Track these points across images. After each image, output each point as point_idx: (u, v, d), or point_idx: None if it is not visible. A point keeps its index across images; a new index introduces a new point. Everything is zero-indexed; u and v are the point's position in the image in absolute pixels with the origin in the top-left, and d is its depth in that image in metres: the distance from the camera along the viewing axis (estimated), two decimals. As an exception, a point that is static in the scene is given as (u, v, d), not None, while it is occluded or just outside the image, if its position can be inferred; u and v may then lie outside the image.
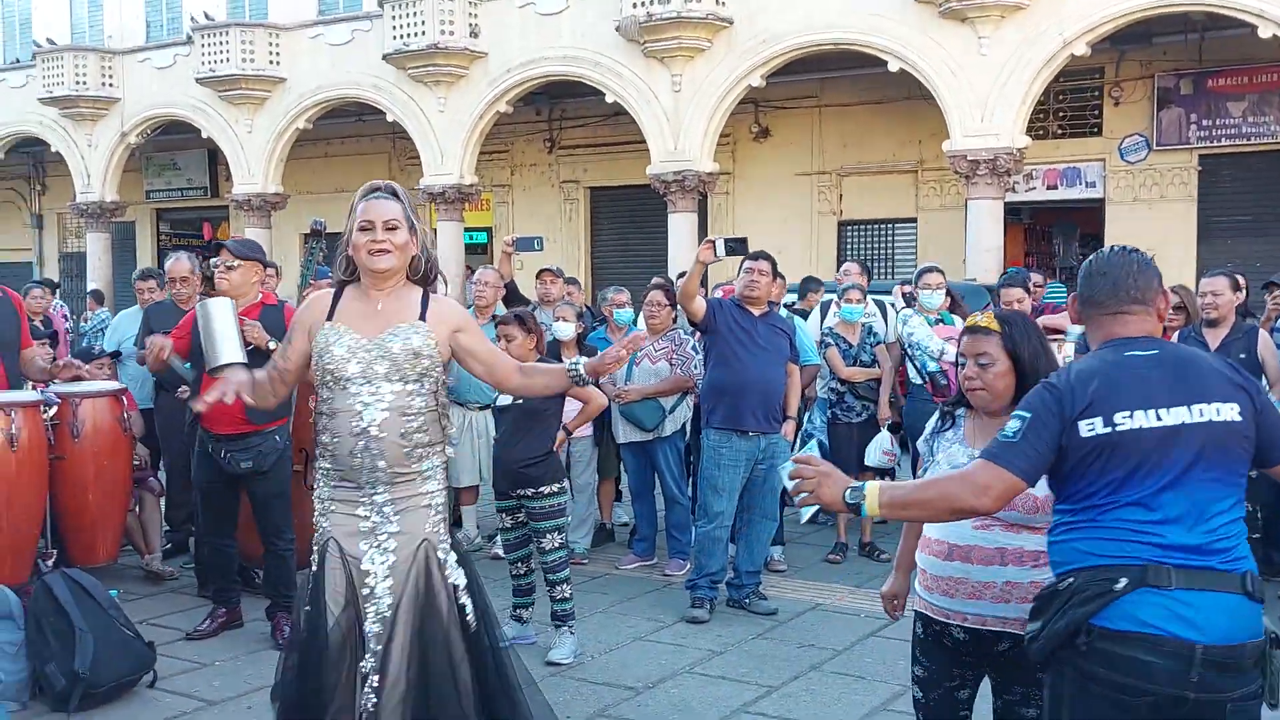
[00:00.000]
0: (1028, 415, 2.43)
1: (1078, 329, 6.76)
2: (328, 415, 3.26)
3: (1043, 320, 6.68)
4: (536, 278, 8.14)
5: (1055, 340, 6.64)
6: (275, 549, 5.44)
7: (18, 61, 22.55)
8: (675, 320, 6.94)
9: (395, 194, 3.37)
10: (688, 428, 7.02)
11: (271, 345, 5.18)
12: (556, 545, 5.17)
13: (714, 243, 5.58)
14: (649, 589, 6.38)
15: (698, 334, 7.35)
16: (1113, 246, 2.68)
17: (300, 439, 6.08)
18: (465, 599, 3.29)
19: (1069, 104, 15.60)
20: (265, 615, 5.49)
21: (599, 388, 6.24)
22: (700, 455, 6.03)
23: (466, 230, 18.28)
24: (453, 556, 3.31)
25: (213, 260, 5.43)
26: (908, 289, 8.19)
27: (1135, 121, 15.28)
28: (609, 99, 16.31)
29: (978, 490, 2.40)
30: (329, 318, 3.33)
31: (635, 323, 7.40)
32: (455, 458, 7.04)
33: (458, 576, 3.29)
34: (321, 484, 3.33)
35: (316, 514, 3.34)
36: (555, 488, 5.19)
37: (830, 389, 7.19)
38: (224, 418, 5.19)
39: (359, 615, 3.22)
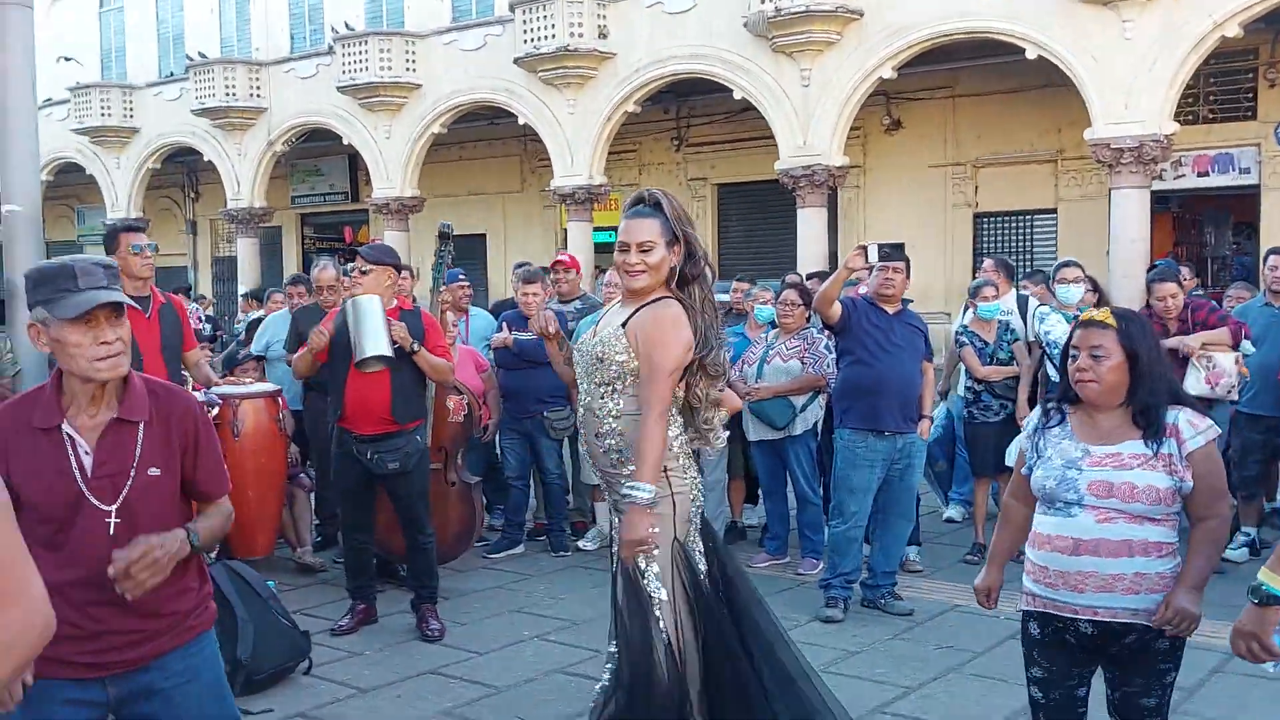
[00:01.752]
0: None
1: (1249, 347, 6.49)
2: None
3: (1203, 337, 6.42)
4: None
5: (1212, 351, 6.38)
6: (418, 543, 5.63)
7: (172, 75, 23.72)
8: (809, 320, 6.92)
9: (659, 205, 3.45)
10: (819, 427, 6.99)
11: (414, 347, 5.38)
12: None
13: (865, 248, 5.41)
14: (781, 588, 6.38)
15: (829, 333, 7.33)
16: None
17: (439, 437, 6.27)
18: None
19: (1220, 87, 14.92)
20: (411, 608, 5.69)
21: (731, 387, 6.28)
22: (834, 455, 6.00)
23: (596, 230, 18.49)
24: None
25: (348, 265, 5.63)
26: (1031, 287, 7.99)
27: (1292, 103, 14.54)
28: (737, 95, 16.27)
29: None
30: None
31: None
32: (586, 457, 7.25)
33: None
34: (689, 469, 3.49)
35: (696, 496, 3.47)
36: None
37: (968, 388, 7.07)
38: (370, 419, 5.41)
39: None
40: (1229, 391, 6.38)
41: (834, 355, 6.81)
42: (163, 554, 2.48)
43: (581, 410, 3.54)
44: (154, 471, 2.60)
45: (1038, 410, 3.13)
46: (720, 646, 3.41)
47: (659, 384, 3.33)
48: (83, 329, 2.48)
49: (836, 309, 5.70)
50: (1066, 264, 7.24)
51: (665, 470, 3.39)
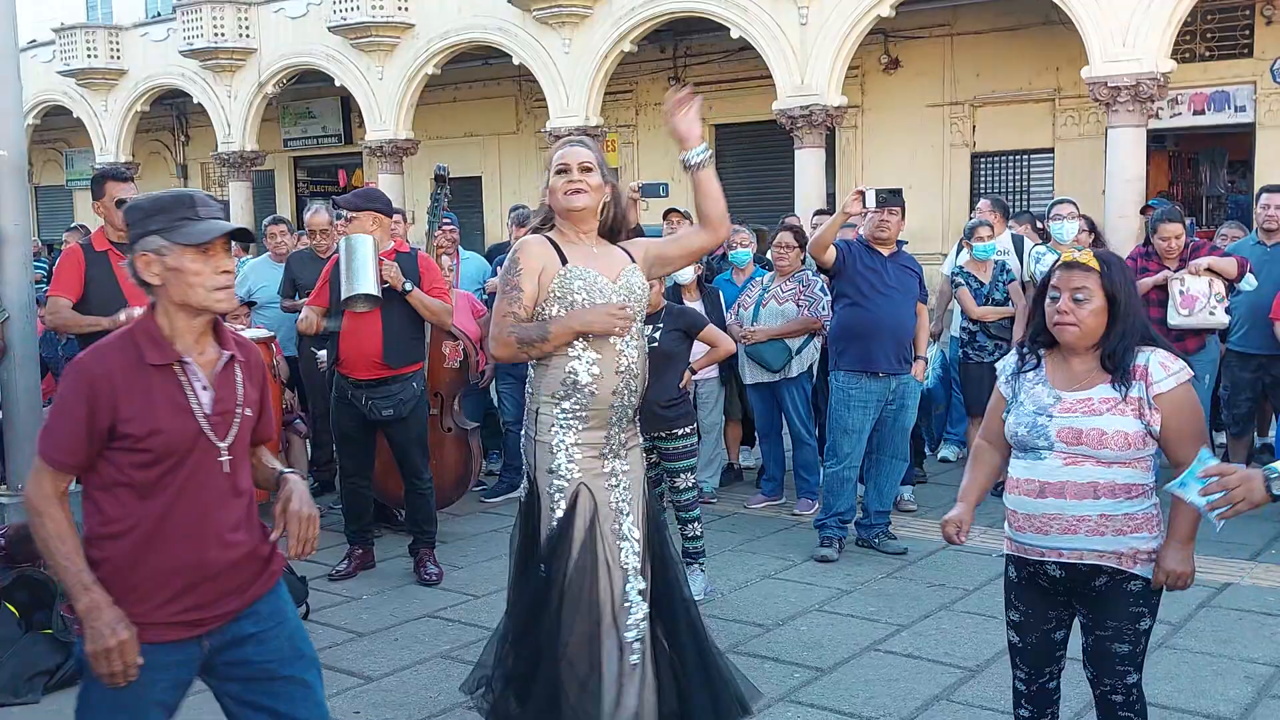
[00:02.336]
0: None
1: (1252, 281, 6.48)
2: (585, 359, 3.27)
3: (1209, 261, 6.41)
4: (664, 218, 8.20)
5: (1185, 275, 6.38)
6: (416, 489, 5.67)
7: (159, 15, 23.40)
8: (804, 262, 6.91)
9: (586, 144, 3.50)
10: (814, 369, 7.02)
11: (406, 287, 5.36)
12: (689, 485, 5.28)
13: (863, 193, 5.38)
14: (777, 528, 6.45)
15: (824, 276, 7.34)
16: None
17: (435, 382, 6.29)
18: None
19: (1217, 24, 14.76)
20: (409, 552, 5.74)
21: (726, 330, 6.29)
22: (829, 396, 6.03)
23: (592, 171, 18.35)
24: None
25: (342, 211, 5.59)
26: (1017, 226, 7.98)
27: (1291, 40, 14.40)
28: (734, 34, 16.10)
29: None
30: (564, 262, 3.34)
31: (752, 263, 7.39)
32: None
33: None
34: (559, 429, 3.28)
35: (556, 459, 3.27)
36: (688, 429, 5.28)
37: (963, 328, 7.09)
38: (363, 363, 5.41)
39: (616, 551, 3.29)
40: (1211, 314, 6.36)
41: (829, 298, 6.83)
42: (311, 511, 2.62)
43: (640, 352, 3.39)
44: (248, 412, 2.60)
45: (1013, 354, 3.10)
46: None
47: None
48: (203, 258, 2.46)
49: (831, 253, 5.69)
50: (1060, 202, 7.27)
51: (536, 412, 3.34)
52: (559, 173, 3.41)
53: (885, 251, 5.83)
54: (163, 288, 2.48)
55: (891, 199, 5.47)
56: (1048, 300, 2.95)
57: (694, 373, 5.69)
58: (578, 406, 3.28)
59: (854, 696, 4.11)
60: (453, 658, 4.59)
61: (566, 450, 3.28)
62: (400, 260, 5.48)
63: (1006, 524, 3.05)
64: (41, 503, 2.43)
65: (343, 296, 5.24)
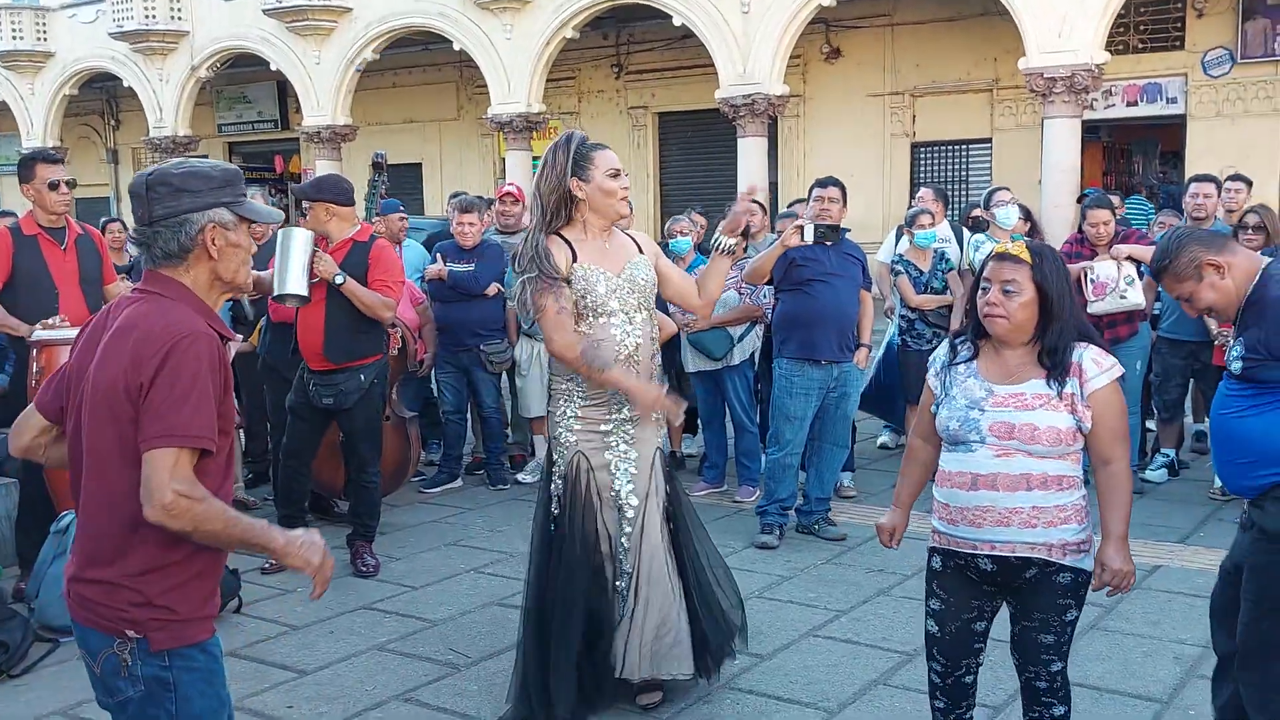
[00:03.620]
0: None
1: None
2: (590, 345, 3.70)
3: (1128, 249, 6.51)
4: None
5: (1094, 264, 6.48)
6: (360, 480, 5.58)
7: (89, -4, 22.85)
8: (746, 249, 6.91)
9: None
10: (756, 357, 7.03)
11: (338, 280, 5.25)
12: None
13: (802, 228, 5.38)
14: (718, 515, 6.45)
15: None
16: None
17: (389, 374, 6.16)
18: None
19: (1150, 17, 15.03)
20: (346, 543, 5.65)
21: (668, 315, 6.27)
22: (773, 384, 6.04)
23: (535, 159, 18.23)
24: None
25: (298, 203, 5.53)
26: (979, 212, 8.07)
27: (1219, 33, 14.69)
28: (676, 22, 16.07)
29: None
30: (574, 259, 3.71)
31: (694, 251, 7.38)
32: (525, 388, 7.23)
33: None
34: (564, 403, 3.81)
35: (559, 429, 3.81)
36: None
37: (902, 316, 7.14)
38: (309, 353, 5.35)
39: (610, 523, 3.79)
40: (1122, 298, 6.47)
41: (770, 286, 6.84)
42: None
43: (645, 340, 3.78)
44: None
45: (944, 346, 3.06)
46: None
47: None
48: (247, 234, 2.40)
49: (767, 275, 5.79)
50: (1000, 189, 7.39)
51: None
52: (612, 176, 3.72)
53: (828, 239, 5.83)
54: (213, 263, 2.34)
55: (829, 234, 5.46)
56: (979, 292, 2.92)
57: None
58: (580, 385, 3.76)
59: (793, 682, 4.12)
60: (389, 650, 4.53)
61: (566, 422, 3.80)
62: (355, 250, 5.36)
63: (934, 516, 3.02)
64: (194, 490, 2.16)
65: (273, 294, 5.16)
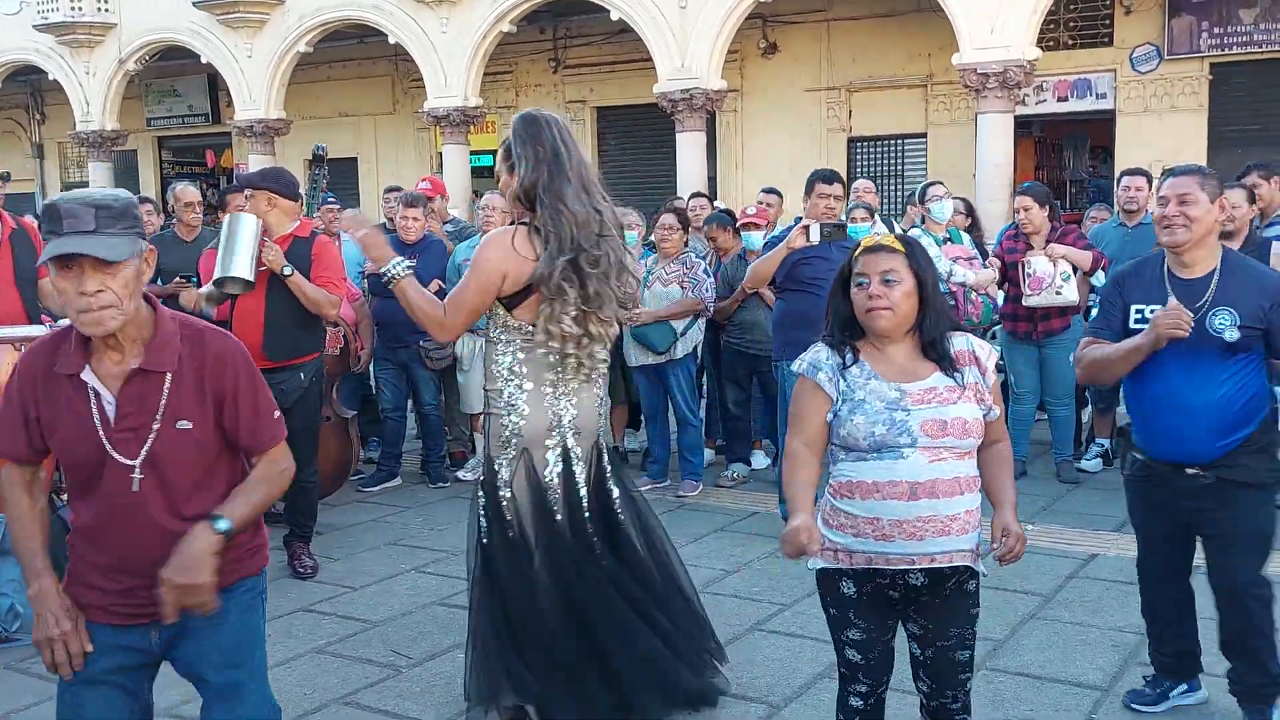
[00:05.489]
0: None
1: (1103, 279, 6.68)
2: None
3: (1065, 250, 6.58)
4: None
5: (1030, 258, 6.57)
6: (298, 481, 5.46)
7: (11, -12, 22.21)
8: (686, 244, 6.92)
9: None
10: (699, 350, 7.03)
11: (285, 271, 5.15)
12: None
13: (808, 228, 5.49)
14: (662, 510, 6.41)
15: (710, 258, 7.35)
16: None
17: (329, 373, 6.06)
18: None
19: (1080, 13, 15.28)
20: (283, 544, 5.55)
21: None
22: (780, 385, 5.93)
23: (472, 154, 18.11)
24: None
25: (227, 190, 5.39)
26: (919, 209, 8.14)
27: (1147, 30, 14.98)
28: (614, 16, 16.02)
29: None
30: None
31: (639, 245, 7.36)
32: (466, 384, 7.17)
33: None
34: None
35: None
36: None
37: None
38: (253, 353, 5.22)
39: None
40: (1058, 294, 6.57)
41: (712, 279, 6.86)
42: (185, 580, 2.33)
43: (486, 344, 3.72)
44: (184, 425, 2.42)
45: (823, 350, 2.78)
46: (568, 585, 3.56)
47: (461, 299, 3.52)
48: (67, 276, 2.29)
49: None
50: (934, 183, 7.46)
51: (485, 389, 3.64)
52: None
53: (833, 238, 5.79)
54: None
55: (835, 233, 5.51)
56: (854, 288, 2.73)
57: None
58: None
59: (739, 677, 4.11)
60: (328, 653, 4.45)
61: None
62: (296, 245, 5.25)
63: (840, 534, 2.72)
64: (3, 488, 2.52)
65: (215, 276, 5.02)
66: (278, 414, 2.59)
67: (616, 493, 3.73)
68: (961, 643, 2.77)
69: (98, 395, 2.39)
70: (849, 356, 2.74)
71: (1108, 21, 15.20)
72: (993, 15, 13.52)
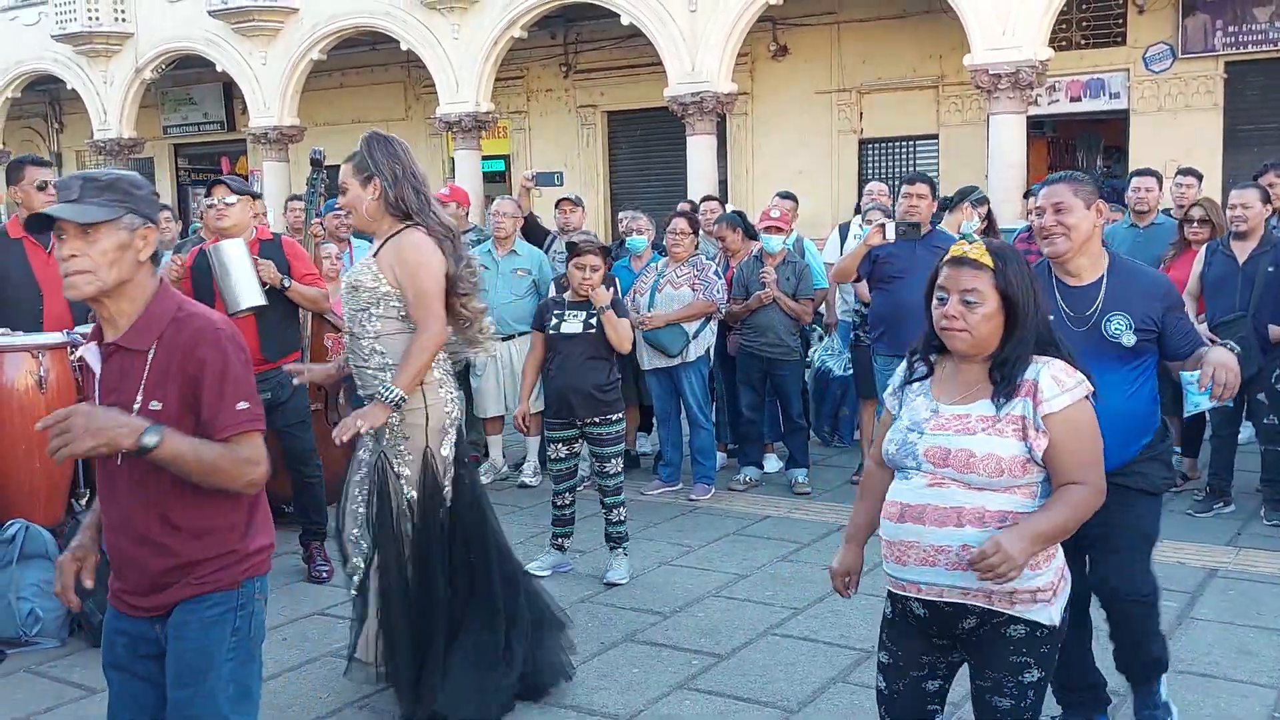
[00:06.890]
0: None
1: None
2: None
3: None
4: (556, 207, 8.13)
5: None
6: (302, 475, 5.51)
7: (29, -1, 22.39)
8: (697, 246, 6.95)
9: (359, 150, 3.88)
10: (711, 353, 7.04)
11: (286, 284, 5.23)
12: (618, 470, 5.35)
13: (884, 226, 5.70)
14: (674, 514, 6.46)
15: (719, 258, 7.37)
16: None
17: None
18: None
19: (1092, 13, 15.23)
20: (299, 543, 5.58)
21: (625, 316, 6.26)
22: (875, 379, 6.27)
23: (484, 159, 18.17)
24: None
25: (204, 200, 5.41)
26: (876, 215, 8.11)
27: (1160, 29, 14.92)
28: (624, 20, 16.06)
29: None
30: None
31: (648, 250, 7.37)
32: (480, 388, 7.19)
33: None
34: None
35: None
36: (620, 414, 5.35)
37: (855, 311, 7.19)
38: (252, 356, 5.27)
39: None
40: None
41: (723, 281, 6.88)
42: (83, 420, 2.20)
43: (348, 338, 3.90)
44: (155, 406, 2.38)
45: (903, 365, 2.69)
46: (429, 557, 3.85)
47: (431, 302, 3.73)
48: (60, 246, 2.37)
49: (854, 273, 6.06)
50: (972, 188, 7.50)
51: (421, 384, 3.79)
52: (342, 193, 3.93)
53: (909, 236, 5.93)
54: None
55: (910, 231, 5.68)
56: (935, 301, 2.53)
57: None
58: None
59: (751, 682, 4.13)
60: (342, 656, 4.47)
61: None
62: (265, 250, 5.32)
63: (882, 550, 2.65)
64: None
65: (229, 312, 5.06)
66: (245, 406, 2.42)
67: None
68: (999, 689, 2.51)
69: (91, 371, 2.46)
70: (920, 370, 2.63)
71: (1120, 21, 15.15)
72: (1004, 16, 13.49)
